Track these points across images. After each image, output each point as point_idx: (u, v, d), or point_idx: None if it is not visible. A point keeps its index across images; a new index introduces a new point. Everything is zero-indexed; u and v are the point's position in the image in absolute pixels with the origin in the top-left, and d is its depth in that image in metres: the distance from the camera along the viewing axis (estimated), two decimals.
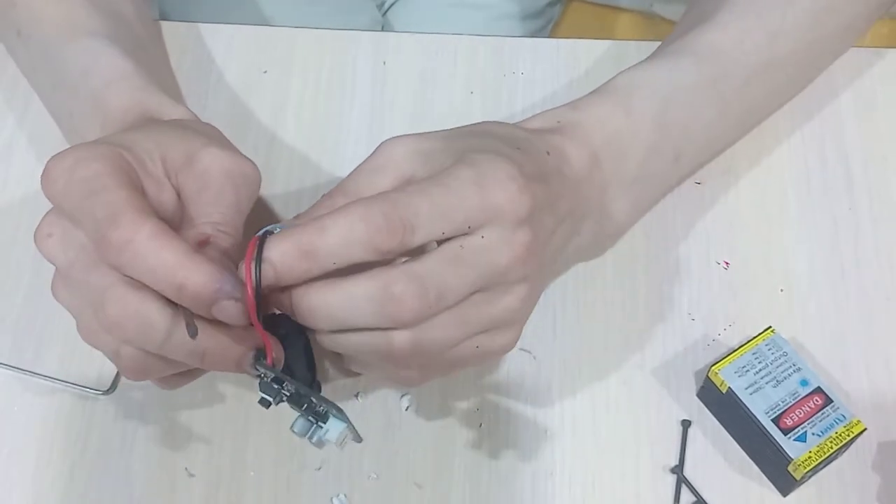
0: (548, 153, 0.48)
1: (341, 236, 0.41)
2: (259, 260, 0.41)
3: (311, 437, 0.44)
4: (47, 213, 0.44)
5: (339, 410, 0.43)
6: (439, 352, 0.44)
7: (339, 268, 0.42)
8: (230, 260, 0.43)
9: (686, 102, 0.55)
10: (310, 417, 0.44)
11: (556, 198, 0.47)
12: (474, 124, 0.50)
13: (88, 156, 0.43)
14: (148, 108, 0.51)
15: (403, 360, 0.44)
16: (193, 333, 0.41)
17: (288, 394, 0.43)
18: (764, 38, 0.56)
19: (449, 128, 0.49)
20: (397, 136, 0.46)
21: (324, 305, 0.42)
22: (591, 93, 0.54)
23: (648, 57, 0.57)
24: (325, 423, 0.44)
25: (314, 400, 0.43)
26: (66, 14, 0.55)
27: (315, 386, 0.45)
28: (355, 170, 0.46)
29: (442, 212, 0.42)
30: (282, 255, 0.41)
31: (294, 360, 0.44)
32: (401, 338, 0.43)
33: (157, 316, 0.42)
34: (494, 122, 0.51)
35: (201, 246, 0.43)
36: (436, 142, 0.46)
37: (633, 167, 0.53)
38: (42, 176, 0.43)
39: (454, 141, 0.47)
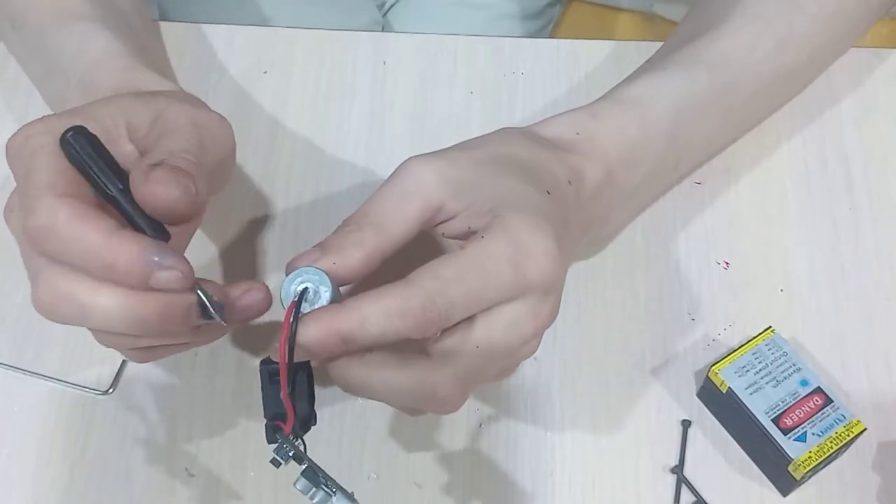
0: (569, 182, 0.48)
1: (380, 328, 0.41)
2: (293, 342, 0.41)
3: (312, 497, 0.44)
4: (16, 187, 0.44)
5: (349, 496, 0.43)
6: None
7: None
8: (188, 177, 0.42)
9: (696, 114, 0.54)
10: (322, 487, 0.44)
11: (573, 234, 0.47)
12: (495, 138, 0.49)
13: (36, 131, 0.42)
14: (137, 87, 0.50)
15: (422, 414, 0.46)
16: (220, 314, 0.42)
17: (303, 467, 0.43)
18: (774, 44, 0.56)
19: (468, 141, 0.48)
20: (422, 158, 0.45)
21: (360, 383, 0.43)
22: (607, 98, 0.53)
23: (661, 63, 0.56)
24: (333, 493, 0.43)
25: (326, 480, 0.43)
26: (59, 1, 0.55)
27: (313, 418, 0.45)
28: (380, 193, 0.45)
29: (477, 297, 0.42)
30: (319, 342, 0.41)
31: (298, 397, 0.44)
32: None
33: (85, 298, 0.40)
34: (514, 134, 0.49)
35: (153, 168, 0.41)
36: (465, 169, 0.45)
37: (639, 178, 0.53)
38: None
39: (484, 172, 0.46)
